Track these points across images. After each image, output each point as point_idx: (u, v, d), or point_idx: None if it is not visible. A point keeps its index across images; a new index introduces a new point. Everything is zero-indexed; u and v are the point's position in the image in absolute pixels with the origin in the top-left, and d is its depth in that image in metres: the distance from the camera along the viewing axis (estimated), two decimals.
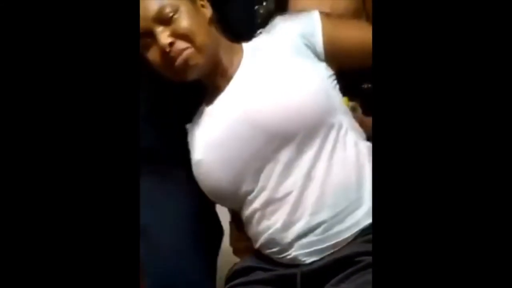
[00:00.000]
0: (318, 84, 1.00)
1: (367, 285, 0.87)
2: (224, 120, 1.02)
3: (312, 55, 1.03)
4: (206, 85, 1.07)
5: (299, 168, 0.97)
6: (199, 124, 1.07)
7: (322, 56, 1.03)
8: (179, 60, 0.98)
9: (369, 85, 1.20)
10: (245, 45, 1.08)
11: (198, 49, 0.99)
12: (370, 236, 0.93)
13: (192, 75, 1.01)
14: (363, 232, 0.96)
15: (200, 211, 1.17)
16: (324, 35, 1.03)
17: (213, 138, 1.02)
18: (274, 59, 1.03)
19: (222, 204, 1.10)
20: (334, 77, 1.04)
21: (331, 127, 0.98)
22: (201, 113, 1.08)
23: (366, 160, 1.00)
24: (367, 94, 1.18)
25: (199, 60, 0.99)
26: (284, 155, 0.97)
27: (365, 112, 1.13)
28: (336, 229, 0.96)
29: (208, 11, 1.04)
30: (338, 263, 0.95)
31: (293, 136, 0.96)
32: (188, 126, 1.10)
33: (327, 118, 0.98)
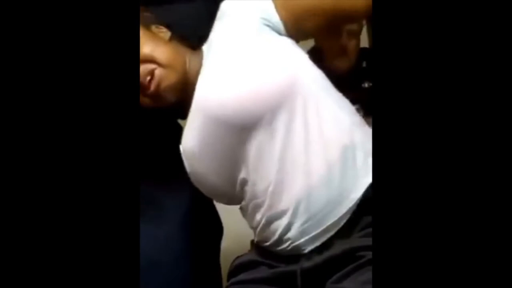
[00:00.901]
0: (273, 60, 0.96)
1: (369, 283, 0.86)
2: (193, 131, 1.00)
3: (274, 32, 0.99)
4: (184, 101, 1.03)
5: (271, 154, 0.95)
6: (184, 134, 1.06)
7: (283, 31, 1.00)
8: (153, 86, 0.97)
9: (370, 84, 1.20)
10: (204, 46, 1.05)
11: (166, 66, 0.98)
12: (370, 230, 0.94)
13: (170, 97, 1.00)
14: (360, 220, 0.95)
15: (200, 209, 1.18)
16: (278, 9, 0.99)
17: (190, 151, 1.02)
18: (226, 46, 0.99)
19: (227, 204, 1.10)
20: (299, 48, 1.00)
21: (295, 103, 0.94)
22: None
23: (345, 133, 0.97)
24: (367, 93, 1.19)
25: (171, 79, 0.98)
26: (254, 145, 0.95)
27: (365, 112, 1.13)
28: (326, 208, 0.94)
29: (165, 34, 1.04)
30: (338, 258, 0.94)
31: (255, 123, 0.94)
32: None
33: (288, 95, 0.94)
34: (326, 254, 0.96)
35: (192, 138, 1.01)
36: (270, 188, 0.96)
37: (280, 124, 0.94)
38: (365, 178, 0.96)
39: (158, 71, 0.97)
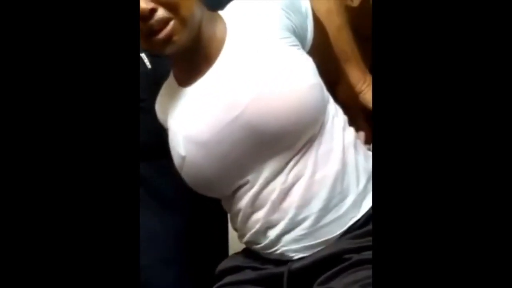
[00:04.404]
0: (313, 77, 0.95)
1: (356, 283, 0.89)
2: (209, 116, 0.95)
3: (295, 41, 0.98)
4: (178, 56, 0.99)
5: (288, 166, 0.95)
6: (177, 108, 1.01)
7: (310, 39, 1.01)
8: (162, 35, 0.90)
9: None
10: (226, 17, 1.00)
11: (182, 21, 0.91)
12: (357, 232, 0.95)
13: (170, 51, 0.94)
14: (351, 227, 0.96)
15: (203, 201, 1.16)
16: (316, 28, 1.01)
17: (198, 136, 0.96)
18: (262, 45, 0.95)
19: (208, 195, 1.05)
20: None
21: (321, 122, 0.95)
22: (176, 92, 1.01)
23: (351, 147, 0.98)
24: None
25: (182, 35, 0.92)
26: (275, 154, 0.95)
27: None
28: (323, 222, 0.95)
29: None
30: (325, 260, 0.94)
31: (287, 136, 0.93)
32: (160, 101, 1.07)
33: (321, 115, 0.95)
34: (314, 256, 0.96)
35: (206, 126, 0.96)
36: (273, 197, 0.96)
37: (304, 140, 0.94)
38: (366, 200, 0.97)
39: (173, 24, 0.91)
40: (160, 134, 1.10)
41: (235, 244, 1.17)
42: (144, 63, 1.13)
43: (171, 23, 0.90)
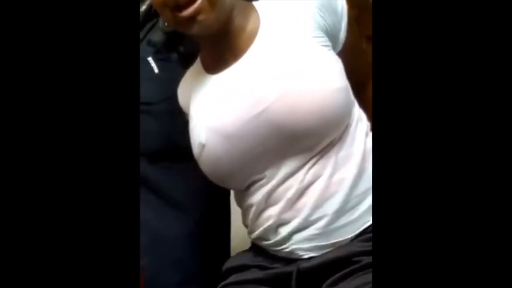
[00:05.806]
0: (341, 80, 0.94)
1: (364, 286, 0.88)
2: (234, 108, 0.94)
3: (327, 41, 0.97)
4: (207, 42, 0.99)
5: (307, 165, 0.94)
6: (201, 94, 1.00)
7: (342, 40, 1.01)
8: (187, 12, 0.89)
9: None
10: (259, 9, 0.98)
11: (211, 2, 0.90)
12: (368, 236, 0.94)
13: (195, 30, 0.92)
14: (363, 231, 0.95)
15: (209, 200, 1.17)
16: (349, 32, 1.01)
17: (222, 127, 0.95)
18: (294, 43, 0.94)
19: (221, 186, 1.04)
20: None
21: (345, 126, 0.95)
22: (202, 77, 1.01)
23: (371, 153, 0.97)
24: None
25: (209, 16, 0.90)
26: (296, 152, 0.94)
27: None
28: (336, 224, 0.94)
29: None
30: (335, 262, 0.94)
31: (310, 136, 0.92)
32: (183, 85, 1.06)
33: (345, 118, 0.94)
34: (324, 257, 0.95)
35: (230, 118, 0.95)
36: (289, 194, 0.95)
37: (327, 141, 0.93)
38: None
39: (201, 3, 0.89)
40: (169, 137, 1.09)
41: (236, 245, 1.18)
42: (151, 68, 1.12)
43: (199, 1, 0.89)
